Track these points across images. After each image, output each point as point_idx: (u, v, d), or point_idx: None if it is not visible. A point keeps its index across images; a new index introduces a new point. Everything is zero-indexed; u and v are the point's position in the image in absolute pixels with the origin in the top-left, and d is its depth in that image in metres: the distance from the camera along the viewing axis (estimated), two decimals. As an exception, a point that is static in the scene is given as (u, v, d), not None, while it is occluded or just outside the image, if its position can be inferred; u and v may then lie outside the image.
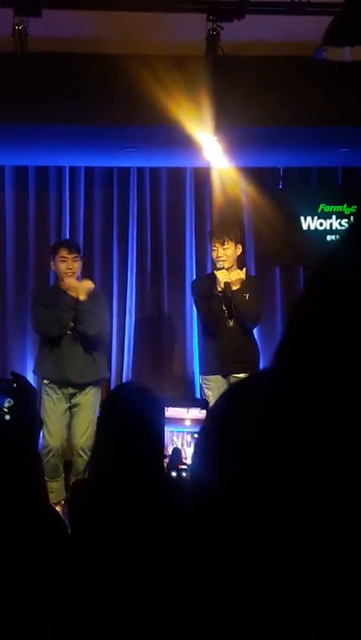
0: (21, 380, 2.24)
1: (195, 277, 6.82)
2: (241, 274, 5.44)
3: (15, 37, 4.57)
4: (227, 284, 5.35)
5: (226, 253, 5.41)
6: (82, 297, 5.50)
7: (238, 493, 0.86)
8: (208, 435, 1.02)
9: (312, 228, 6.92)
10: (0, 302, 6.92)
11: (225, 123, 5.07)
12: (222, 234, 5.49)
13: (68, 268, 5.54)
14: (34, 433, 2.11)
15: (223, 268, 5.39)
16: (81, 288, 5.54)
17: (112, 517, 2.12)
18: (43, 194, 6.98)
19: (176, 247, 7.05)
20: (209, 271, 6.86)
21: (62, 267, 5.55)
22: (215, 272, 5.45)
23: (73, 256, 5.55)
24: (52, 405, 5.51)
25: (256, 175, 6.82)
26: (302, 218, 6.91)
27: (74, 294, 5.50)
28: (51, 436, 5.44)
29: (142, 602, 1.85)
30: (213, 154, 5.63)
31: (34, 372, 5.77)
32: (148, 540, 1.96)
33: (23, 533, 1.98)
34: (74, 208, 7.00)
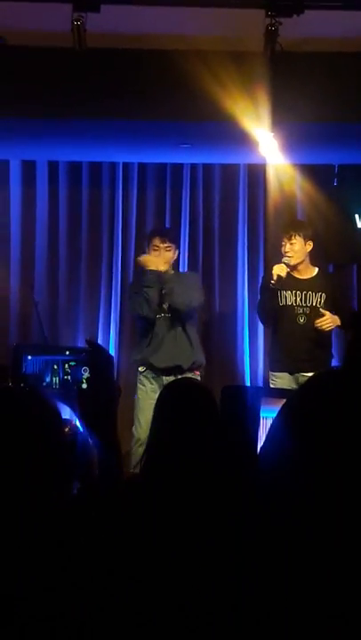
0: (96, 347, 2.20)
1: (247, 274, 6.87)
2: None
3: (74, 33, 4.59)
4: (279, 277, 5.33)
5: (293, 249, 5.46)
6: (162, 267, 5.46)
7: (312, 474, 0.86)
8: (287, 418, 1.03)
9: (367, 226, 6.84)
10: (53, 295, 6.96)
11: (282, 118, 5.04)
12: (290, 228, 5.57)
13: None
14: (111, 402, 2.07)
15: (286, 262, 5.41)
16: (160, 259, 5.48)
17: (166, 515, 2.11)
18: (96, 189, 7.00)
19: (228, 244, 7.02)
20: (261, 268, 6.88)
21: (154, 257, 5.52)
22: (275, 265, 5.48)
23: (165, 245, 5.52)
24: (145, 395, 5.45)
25: (310, 172, 6.76)
26: (357, 216, 6.83)
27: (153, 268, 5.46)
28: (141, 427, 5.39)
29: (199, 604, 1.83)
30: (269, 150, 5.59)
31: (133, 360, 5.74)
32: (207, 538, 1.95)
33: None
34: (127, 204, 7.02)
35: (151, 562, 2.01)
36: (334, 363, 5.69)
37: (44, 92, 5.11)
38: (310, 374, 5.31)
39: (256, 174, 6.91)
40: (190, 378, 4.92)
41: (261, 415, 3.06)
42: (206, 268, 7.03)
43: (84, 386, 1.99)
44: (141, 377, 5.52)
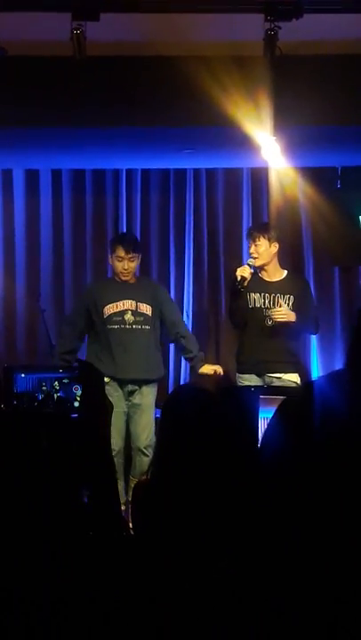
0: (86, 366, 2.24)
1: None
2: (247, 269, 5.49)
3: (73, 41, 4.60)
4: (243, 279, 5.42)
5: (258, 250, 5.54)
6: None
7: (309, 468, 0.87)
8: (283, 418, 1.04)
9: (371, 227, 6.84)
10: (59, 303, 6.98)
11: (284, 122, 5.04)
12: (254, 230, 5.66)
13: (125, 269, 5.55)
14: (104, 418, 2.10)
15: (250, 264, 5.51)
16: None
17: (176, 520, 2.12)
18: (100, 196, 7.02)
19: (233, 248, 7.03)
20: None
21: (118, 266, 5.56)
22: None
23: (130, 256, 5.54)
24: (114, 405, 5.47)
25: (313, 175, 6.77)
26: (361, 217, 6.84)
27: None
28: (113, 437, 5.41)
29: (211, 609, 1.84)
30: (271, 154, 5.60)
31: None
32: (217, 543, 1.95)
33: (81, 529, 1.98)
34: (130, 210, 7.03)
35: (160, 568, 2.02)
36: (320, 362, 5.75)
37: (46, 101, 5.13)
38: (278, 375, 5.42)
39: (259, 178, 6.91)
40: (194, 383, 4.93)
41: (261, 416, 3.08)
42: (212, 272, 7.04)
43: (77, 404, 2.04)
44: (106, 386, 5.45)
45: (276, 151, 5.56)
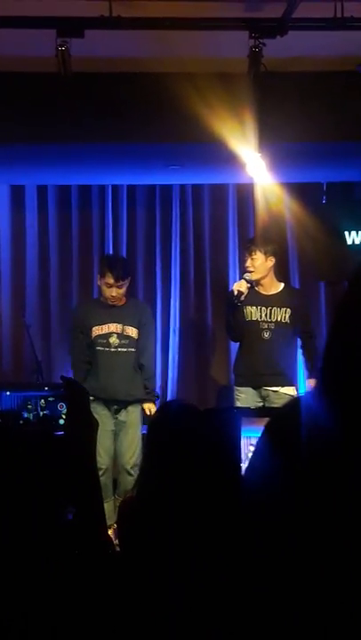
0: (71, 383, 2.24)
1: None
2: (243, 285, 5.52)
3: (59, 58, 4.61)
4: (240, 293, 5.45)
5: (254, 264, 5.54)
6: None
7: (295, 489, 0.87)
8: (269, 439, 1.04)
9: (356, 242, 6.85)
10: (45, 319, 6.96)
11: (268, 139, 5.06)
12: (250, 244, 5.66)
13: (113, 296, 5.49)
14: (89, 435, 2.10)
15: (247, 279, 5.51)
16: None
17: (162, 537, 2.11)
18: (86, 212, 7.02)
19: (219, 264, 7.04)
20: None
21: (107, 293, 5.50)
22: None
23: (119, 284, 5.48)
24: (100, 423, 5.41)
25: (299, 190, 6.79)
26: (346, 233, 6.86)
27: None
28: (100, 455, 5.37)
29: (196, 626, 1.83)
30: (257, 170, 5.61)
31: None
32: (202, 560, 1.94)
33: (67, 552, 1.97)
34: (117, 226, 7.03)
35: (144, 584, 2.01)
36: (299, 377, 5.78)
37: (31, 118, 5.13)
38: (274, 388, 5.46)
39: (245, 194, 6.93)
40: (181, 400, 4.91)
41: (246, 435, 3.07)
42: (198, 287, 7.05)
43: (62, 421, 2.04)
44: (93, 404, 5.31)
45: (261, 167, 5.58)
